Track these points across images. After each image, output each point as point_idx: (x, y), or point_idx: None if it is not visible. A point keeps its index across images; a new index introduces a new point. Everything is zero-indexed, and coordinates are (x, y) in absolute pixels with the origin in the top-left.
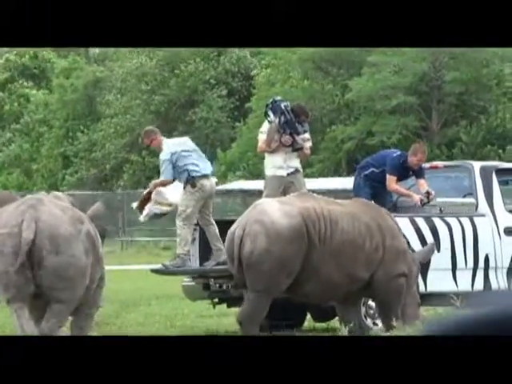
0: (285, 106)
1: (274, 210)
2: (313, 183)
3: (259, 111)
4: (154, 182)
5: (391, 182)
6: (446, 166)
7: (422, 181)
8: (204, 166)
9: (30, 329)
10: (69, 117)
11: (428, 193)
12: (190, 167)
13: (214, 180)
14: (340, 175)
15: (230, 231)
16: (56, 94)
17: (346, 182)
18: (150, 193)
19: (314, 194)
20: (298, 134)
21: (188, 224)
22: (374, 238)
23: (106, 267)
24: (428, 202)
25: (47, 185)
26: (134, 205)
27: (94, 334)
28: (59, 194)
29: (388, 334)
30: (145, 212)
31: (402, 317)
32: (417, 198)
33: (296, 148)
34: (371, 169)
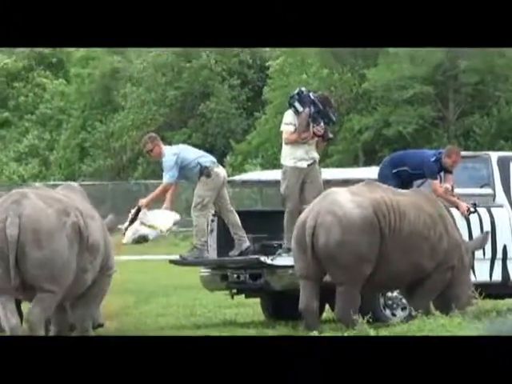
0: (314, 96)
1: (346, 201)
2: (329, 173)
3: (276, 101)
4: (141, 200)
5: (437, 187)
6: (463, 157)
7: (449, 176)
8: (211, 156)
9: (15, 321)
10: (86, 107)
11: (474, 204)
12: (201, 159)
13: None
14: (358, 166)
15: (299, 220)
16: (73, 84)
17: (364, 173)
18: (138, 212)
19: (380, 184)
20: (333, 123)
21: (204, 214)
22: (437, 228)
23: (124, 257)
24: (475, 211)
25: (64, 175)
26: (123, 226)
27: (114, 324)
28: (73, 184)
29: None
30: (129, 233)
31: (455, 304)
32: (464, 207)
33: (328, 138)
34: (405, 168)
